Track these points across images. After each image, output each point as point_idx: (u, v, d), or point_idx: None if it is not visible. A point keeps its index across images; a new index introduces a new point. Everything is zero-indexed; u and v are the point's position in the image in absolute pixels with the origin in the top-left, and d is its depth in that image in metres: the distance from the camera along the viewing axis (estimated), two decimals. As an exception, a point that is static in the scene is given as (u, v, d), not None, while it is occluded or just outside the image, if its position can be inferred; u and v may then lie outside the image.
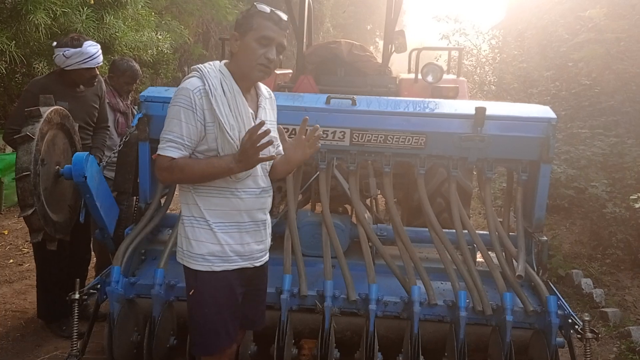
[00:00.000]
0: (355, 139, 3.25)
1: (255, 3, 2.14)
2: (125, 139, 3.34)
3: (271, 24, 2.06)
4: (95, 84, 3.56)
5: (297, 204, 3.45)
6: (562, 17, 7.34)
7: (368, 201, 4.85)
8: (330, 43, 5.26)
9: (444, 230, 3.25)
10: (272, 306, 2.93)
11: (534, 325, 2.89)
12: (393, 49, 5.33)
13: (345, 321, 3.07)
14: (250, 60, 2.07)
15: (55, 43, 3.39)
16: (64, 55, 3.32)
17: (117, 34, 6.60)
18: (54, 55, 3.37)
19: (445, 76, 4.83)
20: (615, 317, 3.98)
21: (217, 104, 2.04)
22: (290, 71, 5.69)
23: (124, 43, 6.93)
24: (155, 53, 8.22)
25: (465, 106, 3.28)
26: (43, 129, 2.66)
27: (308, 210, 3.94)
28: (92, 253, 3.93)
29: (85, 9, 5.86)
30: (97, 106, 3.60)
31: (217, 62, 2.16)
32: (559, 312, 2.81)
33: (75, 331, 2.66)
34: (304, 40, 5.32)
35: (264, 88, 2.29)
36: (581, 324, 2.69)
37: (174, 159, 2.03)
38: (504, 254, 3.19)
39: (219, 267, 2.11)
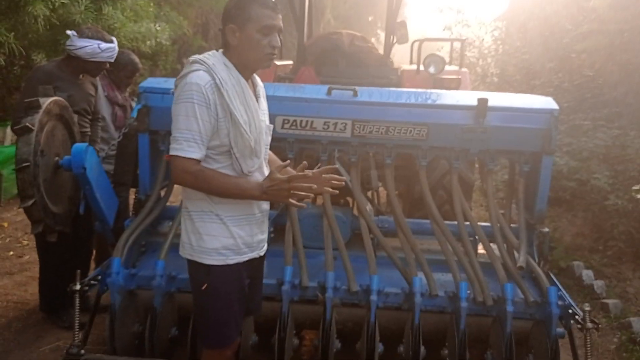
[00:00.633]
0: (356, 130, 3.24)
1: None
2: (124, 130, 3.32)
3: (269, 11, 2.02)
4: None
5: None
6: (565, 8, 7.30)
7: (369, 193, 4.84)
8: (331, 34, 5.23)
9: (445, 222, 3.24)
10: (273, 297, 2.93)
11: (535, 316, 2.89)
12: (395, 40, 5.31)
13: (347, 312, 3.07)
14: (256, 51, 2.05)
15: (74, 32, 3.39)
16: (99, 47, 3.39)
17: (115, 25, 6.55)
18: (82, 45, 3.36)
19: (447, 67, 4.80)
20: (616, 308, 3.98)
21: (230, 98, 2.01)
22: (291, 62, 5.66)
23: (122, 34, 6.88)
24: (154, 44, 8.18)
25: (467, 97, 3.26)
26: (42, 120, 2.65)
27: (308, 202, 3.94)
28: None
29: (83, 0, 5.82)
30: (94, 95, 3.61)
31: (216, 52, 2.11)
32: (560, 302, 2.80)
33: (77, 322, 2.66)
34: (305, 31, 5.29)
35: (256, 76, 2.27)
36: (581, 314, 2.68)
37: (199, 162, 1.99)
38: (505, 245, 3.19)
39: (232, 260, 2.10)
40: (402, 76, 4.88)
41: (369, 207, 3.57)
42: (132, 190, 3.96)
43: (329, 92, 3.26)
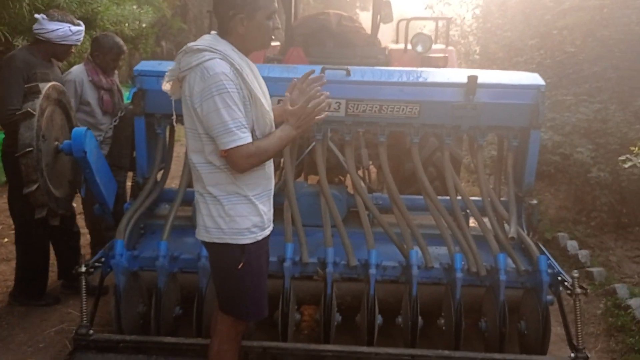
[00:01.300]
0: (350, 109, 3.30)
1: None
2: (120, 114, 3.35)
3: None
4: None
5: None
6: (545, -15, 7.39)
7: (360, 172, 4.93)
8: (319, 14, 5.26)
9: (438, 197, 3.34)
10: (274, 274, 3.01)
11: (525, 284, 3.01)
12: (379, 20, 5.36)
13: (345, 286, 3.17)
14: (265, 37, 2.14)
15: (43, 16, 3.38)
16: (70, 30, 3.39)
17: (99, 8, 6.52)
18: (54, 28, 3.36)
19: (433, 46, 4.87)
20: (600, 276, 4.14)
21: (250, 82, 2.06)
22: (279, 43, 5.68)
23: (106, 18, 6.85)
24: (137, 27, 8.14)
25: (457, 75, 3.34)
26: (43, 105, 2.67)
27: (304, 182, 4.01)
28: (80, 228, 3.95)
29: (67, -16, 5.77)
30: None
31: (217, 38, 2.12)
32: (549, 270, 2.93)
33: (84, 304, 2.71)
34: (292, 12, 5.31)
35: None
36: (570, 280, 2.82)
37: (253, 143, 2.05)
38: (495, 218, 3.30)
39: (260, 236, 2.19)
40: (390, 55, 4.94)
41: (362, 184, 3.66)
42: (129, 174, 4.01)
43: (322, 72, 3.31)
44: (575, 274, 2.78)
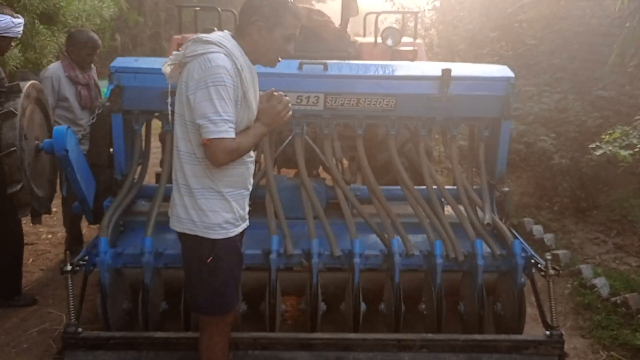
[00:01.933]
0: (329, 103, 3.37)
1: None
2: (97, 111, 3.32)
3: (298, 22, 2.17)
4: None
5: None
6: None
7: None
8: (289, 9, 5.28)
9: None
10: (258, 267, 3.07)
11: (501, 268, 3.15)
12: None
13: (328, 276, 3.25)
14: (274, 53, 2.20)
15: None
16: (12, 22, 3.28)
17: (61, 3, 6.34)
18: None
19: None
20: (565, 257, 4.34)
21: (247, 85, 2.11)
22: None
23: (68, 13, 6.67)
24: (98, 22, 7.93)
25: (431, 68, 3.45)
26: (24, 104, 2.64)
27: (283, 176, 4.06)
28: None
29: (27, -21, 5.59)
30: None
31: (228, 36, 2.16)
32: (523, 254, 3.08)
33: (71, 302, 2.70)
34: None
35: None
36: (544, 263, 2.97)
37: (235, 139, 2.08)
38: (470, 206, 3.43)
39: (232, 232, 2.22)
40: (361, 49, 5.03)
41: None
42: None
43: (300, 67, 3.37)
44: (548, 256, 2.93)
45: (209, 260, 2.20)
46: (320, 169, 4.53)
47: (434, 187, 3.46)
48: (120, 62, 3.35)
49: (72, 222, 3.99)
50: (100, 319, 2.87)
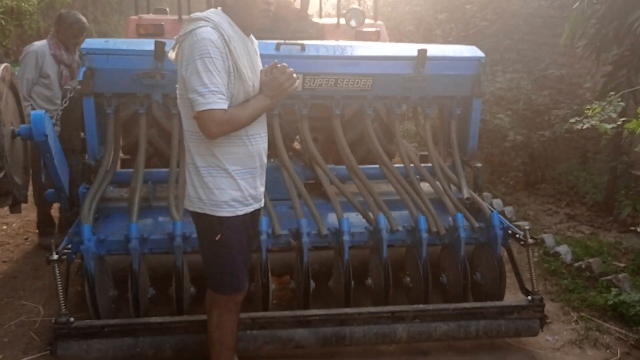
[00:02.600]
0: (307, 83, 3.38)
1: None
2: (70, 94, 3.19)
3: None
4: None
5: None
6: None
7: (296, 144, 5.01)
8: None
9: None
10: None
11: (479, 240, 3.30)
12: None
13: (314, 255, 3.28)
14: (252, 9, 2.15)
15: None
16: None
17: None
18: None
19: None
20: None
21: (238, 55, 2.09)
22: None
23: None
24: (35, 2, 7.53)
25: (407, 49, 3.52)
26: (1, 87, 2.50)
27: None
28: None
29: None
30: None
31: (217, 11, 2.16)
32: (501, 226, 3.23)
33: (60, 292, 2.62)
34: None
35: (252, 35, 2.35)
36: (522, 233, 3.13)
37: (227, 110, 2.06)
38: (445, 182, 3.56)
39: (241, 211, 2.22)
40: (323, 30, 5.03)
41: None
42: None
43: (277, 48, 3.35)
44: (527, 226, 3.10)
45: (217, 238, 2.20)
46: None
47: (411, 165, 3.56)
48: (90, 43, 3.22)
49: (43, 201, 3.87)
50: (88, 308, 2.79)
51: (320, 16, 6.08)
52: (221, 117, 2.05)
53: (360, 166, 3.78)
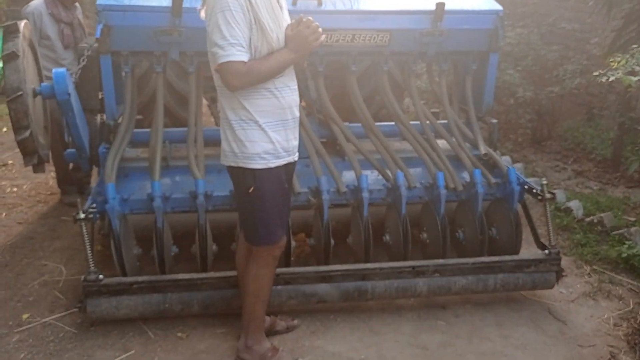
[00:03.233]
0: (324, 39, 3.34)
1: None
2: (87, 52, 3.15)
3: None
4: None
5: None
6: None
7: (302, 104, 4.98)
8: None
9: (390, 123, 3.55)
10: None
11: (496, 195, 3.34)
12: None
13: (330, 213, 3.31)
14: None
15: None
16: None
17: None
18: None
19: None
20: (537, 184, 4.61)
21: (258, 9, 2.08)
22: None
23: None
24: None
25: (424, 2, 3.47)
26: (22, 45, 2.47)
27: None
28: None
29: None
30: None
31: None
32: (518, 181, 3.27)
33: (89, 250, 2.65)
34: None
35: None
36: (538, 188, 3.17)
37: (246, 64, 2.06)
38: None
39: (273, 163, 2.24)
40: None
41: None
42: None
43: (294, 3, 3.30)
44: (544, 181, 3.14)
45: (250, 190, 2.24)
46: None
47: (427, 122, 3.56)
48: None
49: (61, 160, 3.87)
50: (116, 266, 2.83)
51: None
52: (239, 69, 2.07)
53: (378, 124, 3.79)
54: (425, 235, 3.32)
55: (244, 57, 2.07)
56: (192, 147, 3.18)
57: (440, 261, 3.01)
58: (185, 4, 3.05)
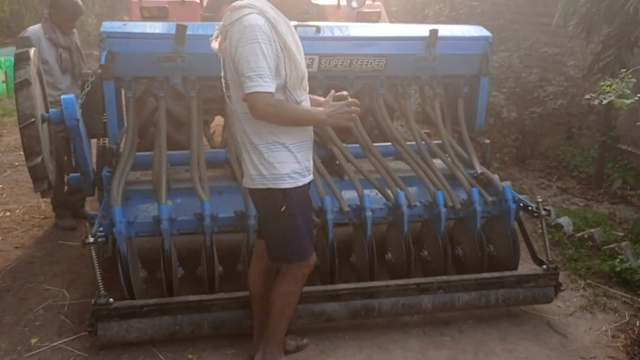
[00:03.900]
0: (323, 64, 3.45)
1: None
2: (92, 78, 3.19)
3: None
4: None
5: None
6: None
7: None
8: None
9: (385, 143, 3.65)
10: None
11: (492, 213, 3.44)
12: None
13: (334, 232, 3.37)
14: (300, 3, 2.30)
15: None
16: None
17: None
18: None
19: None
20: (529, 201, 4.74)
21: (284, 36, 2.18)
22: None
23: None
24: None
25: (418, 29, 3.61)
26: (33, 72, 2.50)
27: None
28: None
29: None
30: None
31: None
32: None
33: (98, 274, 2.66)
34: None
35: None
36: (534, 205, 3.28)
37: (273, 95, 2.15)
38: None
39: (301, 182, 2.34)
40: (324, 11, 5.06)
41: None
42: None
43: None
44: (539, 198, 3.25)
45: (282, 209, 2.30)
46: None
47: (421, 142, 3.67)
48: (108, 27, 3.21)
49: (58, 187, 3.86)
50: (125, 289, 2.84)
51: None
52: (267, 100, 2.15)
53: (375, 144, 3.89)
54: (426, 252, 3.40)
55: (271, 88, 2.15)
56: (196, 170, 3.22)
57: (444, 278, 3.08)
58: (188, 32, 3.13)
